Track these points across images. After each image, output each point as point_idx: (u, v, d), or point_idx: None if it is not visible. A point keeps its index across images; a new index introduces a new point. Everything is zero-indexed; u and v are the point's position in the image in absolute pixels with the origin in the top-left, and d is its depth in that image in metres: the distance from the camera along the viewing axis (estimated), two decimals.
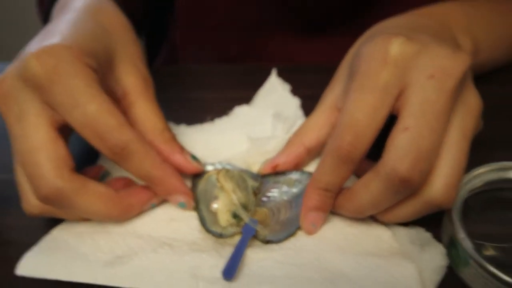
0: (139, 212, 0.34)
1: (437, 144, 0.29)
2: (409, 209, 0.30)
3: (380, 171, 0.29)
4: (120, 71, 0.36)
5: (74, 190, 0.30)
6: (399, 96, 0.30)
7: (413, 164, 0.28)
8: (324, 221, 0.33)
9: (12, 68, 0.31)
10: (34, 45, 0.31)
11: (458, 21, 0.40)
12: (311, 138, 0.36)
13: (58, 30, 0.32)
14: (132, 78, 0.36)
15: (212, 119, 0.43)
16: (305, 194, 0.33)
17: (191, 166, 0.35)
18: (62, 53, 0.30)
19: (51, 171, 0.30)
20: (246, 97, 0.45)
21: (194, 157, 0.36)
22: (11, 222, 0.36)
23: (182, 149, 0.35)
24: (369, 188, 0.30)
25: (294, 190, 0.35)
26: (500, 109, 0.43)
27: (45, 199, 0.30)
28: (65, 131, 0.32)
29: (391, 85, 0.29)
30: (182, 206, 0.34)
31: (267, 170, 0.36)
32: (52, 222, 0.34)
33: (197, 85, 0.49)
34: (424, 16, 0.39)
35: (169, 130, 0.36)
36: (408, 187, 0.28)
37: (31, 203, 0.32)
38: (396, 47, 0.30)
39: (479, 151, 0.38)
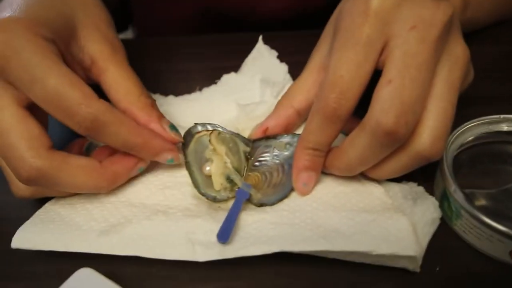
0: (127, 178, 0.33)
1: (422, 95, 0.28)
2: (397, 163, 0.30)
3: (365, 126, 0.29)
4: (83, 38, 0.34)
5: (54, 167, 0.29)
6: (383, 49, 0.29)
7: (397, 116, 0.27)
8: (316, 180, 0.33)
9: None
10: None
11: None
12: (300, 99, 0.35)
13: (9, 3, 0.31)
14: (97, 44, 0.34)
15: (200, 89, 0.42)
16: (295, 155, 0.33)
17: (168, 136, 0.33)
18: (12, 27, 0.28)
19: (27, 152, 0.29)
20: (233, 66, 0.45)
21: (172, 126, 0.34)
22: (5, 199, 0.36)
23: (159, 117, 0.34)
24: (356, 144, 0.30)
25: (286, 153, 0.35)
26: (491, 68, 0.43)
27: (27, 181, 0.29)
28: (39, 109, 0.30)
29: (373, 39, 0.29)
30: (171, 162, 0.33)
31: (258, 134, 0.36)
32: (41, 199, 0.33)
33: (183, 56, 0.49)
34: None
35: (146, 95, 0.34)
36: (394, 140, 0.28)
37: (19, 186, 0.32)
38: (377, 0, 0.29)
39: (470, 106, 0.38)
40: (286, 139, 0.35)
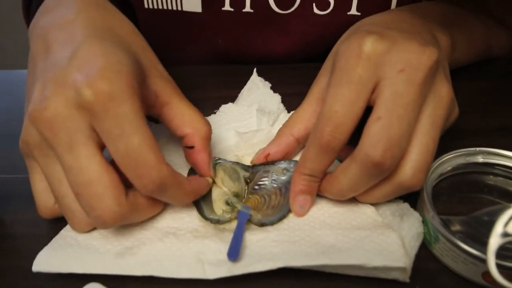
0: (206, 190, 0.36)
1: (407, 132, 0.31)
2: (383, 191, 0.33)
3: (356, 157, 0.32)
4: (147, 80, 0.35)
5: (131, 211, 0.31)
6: (374, 89, 0.32)
7: (384, 150, 0.30)
8: (311, 203, 0.35)
9: (51, 93, 0.30)
10: (74, 65, 0.30)
11: (438, 20, 0.43)
12: (300, 128, 0.38)
13: (89, 46, 0.30)
14: (160, 81, 0.36)
15: None
16: (292, 179, 0.35)
17: (208, 173, 0.37)
18: (114, 79, 0.29)
19: (110, 201, 0.30)
20: (230, 96, 0.48)
21: (213, 163, 0.38)
22: (16, 217, 0.38)
23: (210, 155, 0.37)
24: (347, 173, 0.33)
25: (283, 177, 0.37)
26: (468, 103, 0.46)
27: (109, 225, 0.31)
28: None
29: (365, 79, 0.32)
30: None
31: (260, 159, 0.39)
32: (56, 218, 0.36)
33: (183, 86, 0.52)
34: (406, 11, 0.43)
35: (206, 122, 0.37)
36: (381, 171, 0.31)
37: (83, 223, 0.33)
38: (369, 45, 0.32)
39: (449, 139, 0.41)
40: (283, 165, 0.38)
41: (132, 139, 0.29)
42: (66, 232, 0.35)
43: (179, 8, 0.52)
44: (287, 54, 0.56)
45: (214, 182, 0.37)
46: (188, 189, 0.33)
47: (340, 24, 0.38)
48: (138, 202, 0.32)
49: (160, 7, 0.53)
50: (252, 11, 0.52)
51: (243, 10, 0.52)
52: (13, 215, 0.38)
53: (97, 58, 0.29)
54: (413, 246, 0.33)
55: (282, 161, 0.38)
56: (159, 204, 0.35)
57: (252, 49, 0.56)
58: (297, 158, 0.39)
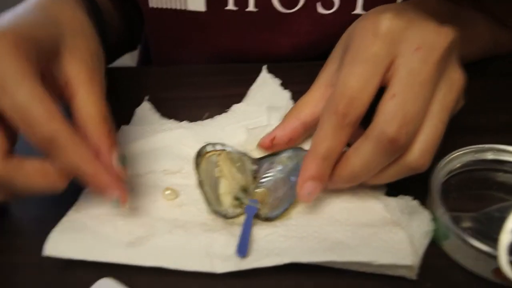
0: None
1: (421, 110, 0.31)
2: (390, 171, 0.33)
3: (370, 135, 0.31)
4: (65, 60, 0.34)
5: (9, 173, 0.31)
6: (389, 67, 0.32)
7: (400, 126, 0.30)
8: (319, 191, 0.34)
9: None
10: None
11: (444, 14, 0.43)
12: (307, 113, 0.38)
13: (1, 20, 0.32)
14: (75, 68, 0.34)
15: (209, 115, 0.45)
16: (303, 164, 0.34)
17: (113, 169, 0.33)
18: None
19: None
20: (240, 94, 0.48)
21: (122, 158, 0.34)
22: (27, 214, 0.39)
23: (111, 146, 0.33)
24: (359, 152, 0.32)
25: (289, 165, 0.37)
26: (477, 100, 0.46)
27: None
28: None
29: (381, 57, 0.32)
30: (116, 205, 0.33)
31: (266, 142, 0.38)
32: (62, 213, 0.36)
33: (191, 84, 0.52)
34: (411, 5, 0.42)
35: (106, 123, 0.34)
36: (396, 148, 0.31)
37: None
38: (386, 22, 0.32)
39: (458, 136, 0.41)
40: (287, 153, 0.38)
41: (16, 94, 0.29)
42: (74, 214, 0.35)
43: (183, 7, 0.52)
44: (291, 54, 0.56)
45: (222, 171, 0.37)
46: (87, 157, 0.31)
47: (344, 23, 0.38)
48: (23, 164, 0.31)
49: (165, 6, 0.53)
50: (256, 10, 0.52)
51: (247, 9, 0.52)
52: (24, 212, 0.39)
53: None
54: (422, 244, 0.33)
55: (286, 150, 0.38)
56: (52, 173, 0.31)
57: (255, 49, 0.56)
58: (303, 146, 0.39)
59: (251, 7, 0.52)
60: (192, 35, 0.56)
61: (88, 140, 0.33)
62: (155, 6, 0.53)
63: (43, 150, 0.31)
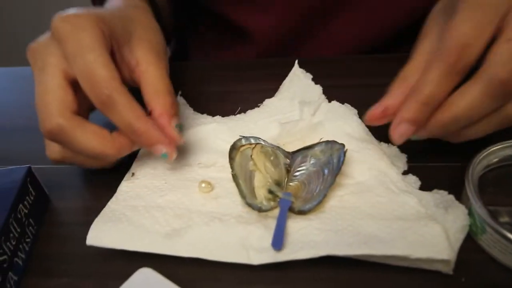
0: (130, 150, 0.38)
1: None
2: (493, 120, 0.33)
3: (480, 77, 0.31)
4: (135, 45, 0.40)
5: (72, 127, 0.35)
6: (504, 16, 0.31)
7: None
8: (411, 134, 0.34)
9: (43, 35, 0.38)
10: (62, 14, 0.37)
11: None
12: (414, 79, 0.36)
13: (87, 9, 0.38)
14: (144, 51, 0.39)
15: (242, 111, 0.46)
16: (404, 105, 0.34)
17: (169, 132, 0.37)
18: (82, 16, 0.36)
19: (55, 110, 0.35)
20: (272, 89, 0.48)
21: (179, 126, 0.38)
22: (68, 205, 0.40)
23: (171, 114, 0.37)
24: (466, 95, 0.31)
25: (322, 159, 0.38)
26: None
27: (49, 133, 0.35)
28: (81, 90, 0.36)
29: (498, 6, 0.31)
30: (165, 156, 0.37)
31: (376, 114, 0.36)
32: (102, 205, 0.37)
33: (224, 79, 0.53)
34: None
35: (171, 97, 0.38)
36: (507, 91, 0.31)
37: (51, 149, 0.38)
38: None
39: (495, 131, 0.41)
40: (320, 147, 0.38)
41: (87, 58, 0.34)
42: (114, 205, 0.37)
43: None
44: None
45: (255, 165, 0.38)
46: (140, 115, 0.35)
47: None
48: (85, 124, 0.36)
49: None
50: None
51: None
52: (66, 203, 0.41)
53: (79, 10, 0.37)
54: (458, 239, 0.33)
55: (319, 144, 0.39)
56: (110, 140, 0.36)
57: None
58: (329, 137, 0.39)
59: None
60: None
61: (153, 108, 0.37)
62: None
63: (102, 110, 0.35)
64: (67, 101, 0.36)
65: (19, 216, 0.35)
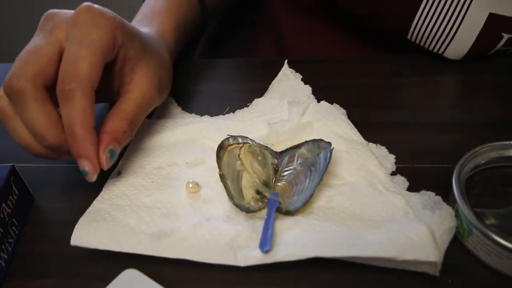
0: (58, 156, 0.37)
1: None
2: None
3: None
4: (138, 67, 0.39)
5: (33, 96, 0.34)
6: None
7: None
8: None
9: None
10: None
11: None
12: None
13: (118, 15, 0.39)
14: (143, 75, 0.39)
15: (230, 108, 0.46)
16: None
17: (100, 150, 0.36)
18: (105, 15, 0.36)
19: (30, 73, 0.35)
20: (261, 88, 0.48)
21: (112, 152, 0.36)
22: (52, 204, 0.40)
23: (115, 141, 0.36)
24: None
25: (309, 157, 0.38)
26: (504, 96, 0.46)
27: (9, 89, 0.35)
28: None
29: None
30: (85, 173, 0.35)
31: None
32: (87, 204, 0.37)
33: (213, 79, 0.52)
34: None
35: (128, 124, 0.37)
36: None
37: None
38: None
39: (482, 132, 0.41)
40: (307, 146, 0.38)
41: (82, 49, 0.35)
42: (99, 204, 0.36)
43: (440, 53, 0.50)
44: None
45: (242, 165, 0.37)
46: (87, 120, 0.34)
47: None
48: (46, 102, 0.35)
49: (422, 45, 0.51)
50: None
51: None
52: (50, 202, 0.40)
53: (108, 10, 0.38)
54: (445, 241, 0.33)
55: (306, 143, 0.38)
56: (55, 127, 0.35)
57: None
58: (317, 137, 0.39)
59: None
60: None
61: (103, 126, 0.37)
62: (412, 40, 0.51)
63: (60, 99, 0.34)
64: (45, 72, 0.35)
65: (2, 215, 0.35)
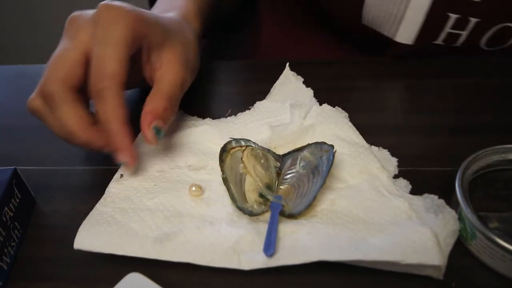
0: (98, 149, 0.38)
1: None
2: None
3: None
4: (164, 53, 0.40)
5: (62, 99, 0.37)
6: None
7: None
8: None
9: None
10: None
11: None
12: None
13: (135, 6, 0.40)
14: (171, 58, 0.40)
15: (232, 113, 0.46)
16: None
17: (146, 132, 0.37)
18: (123, 10, 0.37)
19: (57, 77, 0.37)
20: (263, 91, 0.48)
21: (156, 129, 0.38)
22: (55, 208, 0.40)
23: (157, 116, 0.38)
24: None
25: (312, 160, 0.37)
26: (506, 99, 0.46)
27: (41, 93, 0.38)
28: None
29: None
30: (124, 164, 0.38)
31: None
32: (90, 207, 0.37)
33: (215, 81, 0.52)
34: None
35: (167, 100, 0.39)
36: None
37: (35, 96, 0.39)
38: None
39: (485, 136, 0.41)
40: (310, 149, 0.38)
41: (106, 49, 0.36)
42: (102, 207, 0.36)
43: (391, 37, 0.51)
44: None
45: (245, 168, 0.37)
46: (120, 115, 0.36)
47: None
48: (75, 103, 0.38)
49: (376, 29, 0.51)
50: (460, 46, 0.51)
51: (453, 45, 0.51)
52: (52, 206, 0.40)
53: (126, 4, 0.38)
54: (448, 244, 0.33)
55: (309, 146, 0.38)
56: (85, 125, 0.37)
57: None
58: (320, 140, 0.39)
59: (457, 43, 0.50)
60: None
61: (144, 108, 0.38)
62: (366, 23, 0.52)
63: (93, 98, 0.37)
64: (73, 75, 0.38)
65: (4, 219, 0.35)
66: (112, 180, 0.39)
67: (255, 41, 0.66)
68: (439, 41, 0.50)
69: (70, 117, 0.37)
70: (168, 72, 0.39)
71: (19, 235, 0.36)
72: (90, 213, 0.36)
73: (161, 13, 0.46)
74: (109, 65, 0.36)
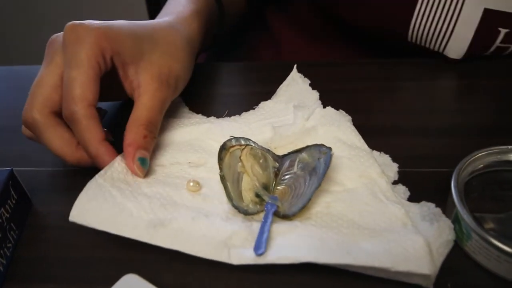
0: (89, 165, 0.39)
1: None
2: None
3: None
4: (142, 70, 0.40)
5: (45, 125, 0.38)
6: None
7: None
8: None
9: None
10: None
11: None
12: None
13: (113, 21, 0.40)
14: (149, 76, 0.39)
15: (237, 112, 0.46)
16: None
17: (129, 164, 0.37)
18: (88, 28, 0.37)
19: (37, 105, 0.38)
20: (268, 92, 0.48)
21: (142, 160, 0.38)
22: (51, 209, 0.40)
23: (139, 148, 0.37)
24: None
25: (310, 162, 0.38)
26: (502, 99, 0.46)
27: (24, 122, 0.39)
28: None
29: None
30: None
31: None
32: None
33: (222, 81, 0.52)
34: None
35: (145, 128, 0.38)
36: None
37: (22, 126, 0.40)
38: None
39: (481, 136, 0.41)
40: (308, 150, 0.38)
41: (72, 71, 0.36)
42: (101, 179, 0.36)
43: (441, 52, 0.50)
44: None
45: (243, 167, 0.38)
46: (94, 139, 0.36)
47: None
48: (58, 127, 0.38)
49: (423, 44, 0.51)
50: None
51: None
52: (48, 207, 0.40)
53: (90, 22, 0.38)
54: (441, 253, 0.32)
55: (308, 148, 0.38)
56: (71, 147, 0.38)
57: None
58: (321, 142, 0.39)
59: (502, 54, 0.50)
60: None
61: (124, 140, 0.38)
62: (413, 41, 0.51)
63: (67, 122, 0.37)
64: (51, 100, 0.38)
65: (0, 220, 0.35)
66: (119, 156, 0.39)
67: (270, 46, 0.65)
68: (488, 54, 0.50)
69: (55, 143, 0.38)
70: (145, 95, 0.39)
71: (15, 236, 0.36)
72: (88, 184, 0.36)
73: (161, 17, 0.47)
74: (76, 88, 0.36)
